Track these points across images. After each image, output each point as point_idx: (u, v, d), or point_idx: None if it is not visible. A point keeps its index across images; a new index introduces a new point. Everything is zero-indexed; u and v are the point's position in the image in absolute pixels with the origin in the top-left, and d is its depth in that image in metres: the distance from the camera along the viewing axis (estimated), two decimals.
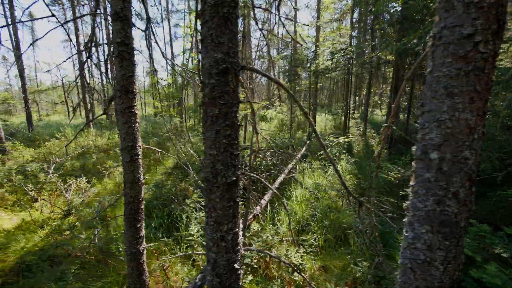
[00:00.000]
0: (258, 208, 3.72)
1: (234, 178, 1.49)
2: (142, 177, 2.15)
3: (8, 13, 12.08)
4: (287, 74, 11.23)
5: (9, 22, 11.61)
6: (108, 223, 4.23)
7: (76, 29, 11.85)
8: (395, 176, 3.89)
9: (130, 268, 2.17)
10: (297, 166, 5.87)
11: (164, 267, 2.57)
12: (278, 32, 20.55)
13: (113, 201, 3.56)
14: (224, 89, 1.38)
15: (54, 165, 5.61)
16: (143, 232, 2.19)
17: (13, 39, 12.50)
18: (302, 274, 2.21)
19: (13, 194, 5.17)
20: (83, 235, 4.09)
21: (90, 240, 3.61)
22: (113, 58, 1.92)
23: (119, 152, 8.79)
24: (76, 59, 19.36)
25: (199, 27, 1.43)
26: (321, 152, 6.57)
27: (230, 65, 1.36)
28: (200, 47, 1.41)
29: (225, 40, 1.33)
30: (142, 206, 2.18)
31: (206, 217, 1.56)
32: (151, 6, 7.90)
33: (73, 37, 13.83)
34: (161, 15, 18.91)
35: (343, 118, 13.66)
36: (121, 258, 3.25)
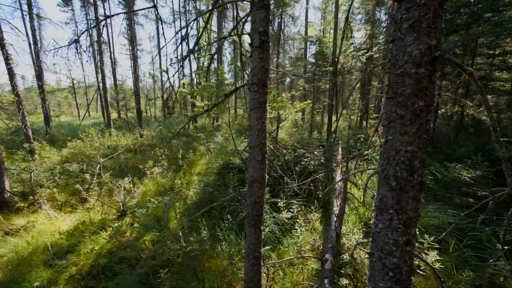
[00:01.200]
0: None
1: (424, 177, 1.39)
2: (266, 176, 2.05)
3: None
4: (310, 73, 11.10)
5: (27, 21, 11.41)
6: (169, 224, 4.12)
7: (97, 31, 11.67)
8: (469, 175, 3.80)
9: (252, 272, 2.07)
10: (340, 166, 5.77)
11: (271, 271, 2.47)
12: None
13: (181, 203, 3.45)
14: (431, 79, 1.28)
15: (99, 165, 5.49)
16: (263, 235, 2.09)
17: (31, 39, 12.37)
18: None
19: (60, 194, 5.05)
20: (145, 236, 4.00)
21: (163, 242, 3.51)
22: (253, 49, 1.81)
23: (146, 152, 8.67)
24: (89, 61, 19.12)
25: None
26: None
27: (440, 52, 1.26)
28: (398, 32, 1.31)
29: (438, 25, 1.23)
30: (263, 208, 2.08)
31: (386, 220, 1.46)
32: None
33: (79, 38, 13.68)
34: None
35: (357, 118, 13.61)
36: (205, 260, 3.15)
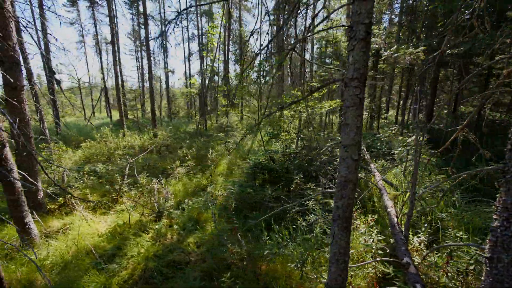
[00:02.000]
0: None
1: None
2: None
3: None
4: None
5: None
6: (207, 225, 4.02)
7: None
8: None
9: (341, 277, 1.97)
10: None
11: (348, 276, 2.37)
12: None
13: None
14: None
15: (128, 166, 5.37)
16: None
17: (41, 40, 12.20)
18: None
19: (92, 195, 4.92)
20: (188, 238, 3.89)
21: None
22: (355, 42, 1.72)
23: (162, 152, 8.54)
24: (94, 58, 18.98)
25: None
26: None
27: None
28: None
29: None
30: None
31: None
32: None
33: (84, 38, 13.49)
34: None
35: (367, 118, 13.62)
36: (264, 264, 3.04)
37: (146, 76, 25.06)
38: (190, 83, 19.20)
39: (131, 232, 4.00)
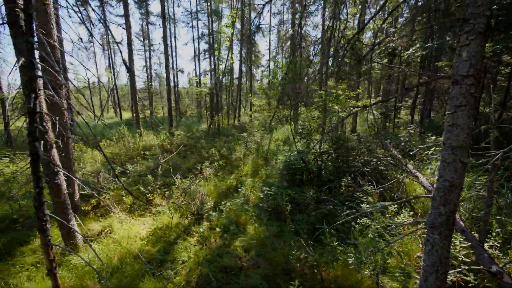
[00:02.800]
0: None
1: None
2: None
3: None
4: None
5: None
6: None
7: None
8: None
9: None
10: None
11: None
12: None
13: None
14: None
15: (160, 166, 5.24)
16: None
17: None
18: None
19: (127, 196, 4.80)
20: (235, 242, 3.76)
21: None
22: (473, 36, 1.59)
23: (185, 152, 8.41)
24: (103, 56, 18.98)
25: None
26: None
27: None
28: None
29: None
30: None
31: None
32: None
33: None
34: None
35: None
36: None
37: (154, 75, 24.94)
38: (199, 82, 19.09)
39: (173, 235, 3.88)
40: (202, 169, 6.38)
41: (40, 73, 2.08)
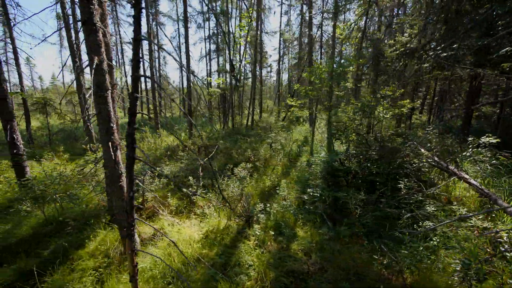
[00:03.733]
0: None
1: None
2: None
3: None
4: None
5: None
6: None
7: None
8: None
9: None
10: None
11: None
12: None
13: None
14: None
15: (200, 167, 5.17)
16: None
17: (73, 39, 12.01)
18: None
19: (172, 198, 4.72)
20: (293, 245, 3.68)
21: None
22: None
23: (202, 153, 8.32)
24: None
25: None
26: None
27: None
28: None
29: None
30: None
31: None
32: None
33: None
34: None
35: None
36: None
37: (161, 76, 24.88)
38: (209, 82, 19.00)
39: (227, 238, 3.80)
40: (234, 170, 6.31)
41: (142, 73, 2.00)
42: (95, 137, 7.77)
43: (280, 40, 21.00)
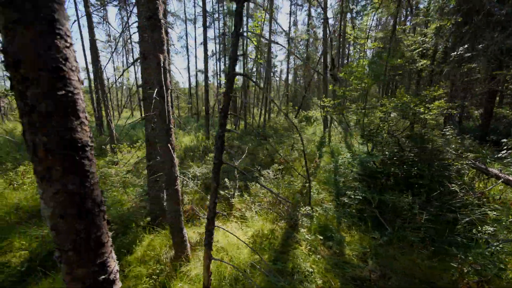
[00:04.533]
0: None
1: None
2: None
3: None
4: None
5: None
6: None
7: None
8: None
9: None
10: None
11: None
12: None
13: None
14: None
15: (235, 169, 5.04)
16: None
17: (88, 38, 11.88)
18: None
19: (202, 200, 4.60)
20: (346, 251, 3.56)
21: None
22: None
23: (232, 153, 8.20)
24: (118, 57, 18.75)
25: None
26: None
27: None
28: None
29: None
30: None
31: None
32: None
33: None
34: None
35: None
36: None
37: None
38: (219, 82, 18.89)
39: (275, 243, 3.68)
40: (261, 172, 6.19)
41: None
42: (116, 137, 7.64)
43: (288, 41, 20.89)
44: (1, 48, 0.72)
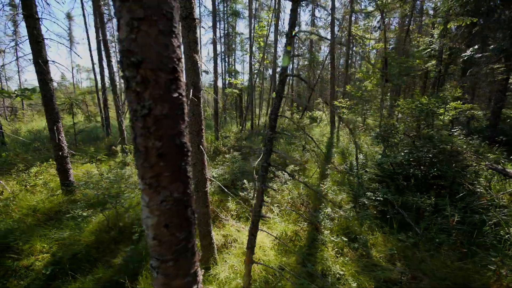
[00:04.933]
0: None
1: None
2: None
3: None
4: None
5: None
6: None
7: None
8: None
9: None
10: None
11: None
12: None
13: None
14: None
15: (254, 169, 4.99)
16: None
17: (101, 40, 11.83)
18: None
19: (232, 203, 4.55)
20: (373, 252, 3.52)
21: None
22: None
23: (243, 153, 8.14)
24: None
25: None
26: None
27: None
28: None
29: None
30: None
31: None
32: None
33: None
34: None
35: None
36: None
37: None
38: (224, 83, 18.83)
39: (300, 244, 3.64)
40: (276, 173, 6.15)
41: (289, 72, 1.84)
42: (127, 137, 7.58)
43: (291, 43, 20.81)
44: (123, 48, 0.68)
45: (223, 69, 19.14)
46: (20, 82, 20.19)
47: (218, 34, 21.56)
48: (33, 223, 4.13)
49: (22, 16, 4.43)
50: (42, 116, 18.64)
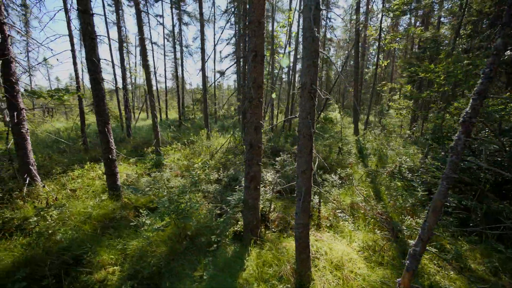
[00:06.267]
0: None
1: None
2: None
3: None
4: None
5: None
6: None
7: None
8: None
9: None
10: None
11: None
12: None
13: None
14: None
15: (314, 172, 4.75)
16: None
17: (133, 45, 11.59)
18: None
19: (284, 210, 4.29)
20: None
21: None
22: None
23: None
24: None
25: None
26: None
27: None
28: None
29: None
30: None
31: None
32: None
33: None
34: None
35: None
36: None
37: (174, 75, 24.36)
38: (241, 81, 18.58)
39: (388, 255, 3.39)
40: (322, 176, 5.90)
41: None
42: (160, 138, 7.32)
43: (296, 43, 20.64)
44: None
45: (239, 69, 18.90)
46: (31, 83, 19.84)
47: (227, 35, 21.21)
48: (90, 232, 3.86)
49: (77, 11, 4.18)
50: (52, 117, 18.31)
